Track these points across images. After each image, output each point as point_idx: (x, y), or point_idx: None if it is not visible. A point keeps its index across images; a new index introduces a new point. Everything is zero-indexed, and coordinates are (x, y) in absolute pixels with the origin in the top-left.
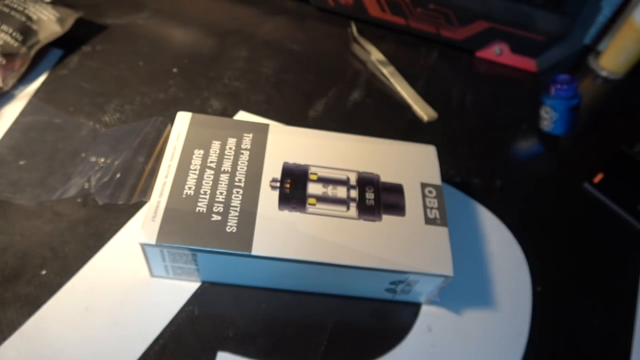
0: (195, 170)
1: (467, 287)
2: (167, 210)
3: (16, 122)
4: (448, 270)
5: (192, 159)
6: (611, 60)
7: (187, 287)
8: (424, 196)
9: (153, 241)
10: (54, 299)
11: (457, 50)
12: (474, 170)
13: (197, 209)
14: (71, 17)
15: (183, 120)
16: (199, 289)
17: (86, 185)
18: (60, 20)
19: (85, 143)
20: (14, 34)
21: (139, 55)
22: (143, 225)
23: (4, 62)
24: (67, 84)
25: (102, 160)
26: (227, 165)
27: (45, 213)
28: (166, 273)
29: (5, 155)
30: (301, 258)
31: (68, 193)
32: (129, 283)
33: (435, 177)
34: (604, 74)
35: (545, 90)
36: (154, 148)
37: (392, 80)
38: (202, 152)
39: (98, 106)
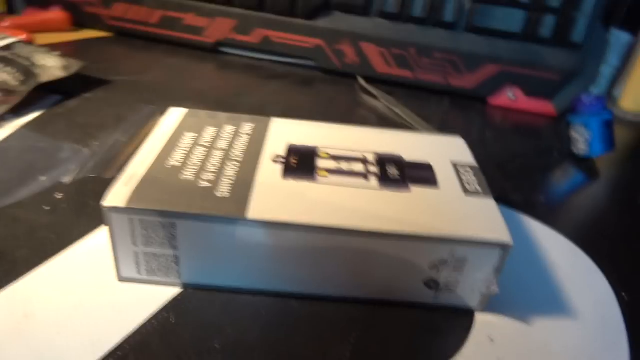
0: (184, 147)
1: (532, 297)
2: (146, 176)
3: None
4: (505, 237)
5: (181, 138)
6: (631, 101)
7: (164, 293)
8: (458, 173)
9: (122, 204)
10: None
11: (469, 99)
12: (511, 188)
13: (183, 177)
14: (75, 65)
15: (176, 112)
16: (180, 295)
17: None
18: (65, 68)
19: (68, 161)
20: (16, 74)
21: (143, 100)
22: (112, 190)
23: None
24: (60, 119)
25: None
26: (222, 144)
27: (3, 218)
28: (137, 270)
29: None
30: (311, 223)
31: (35, 190)
32: (88, 288)
33: (468, 159)
34: (629, 117)
35: (572, 112)
36: (139, 129)
37: (406, 118)
38: (194, 134)
39: (89, 134)
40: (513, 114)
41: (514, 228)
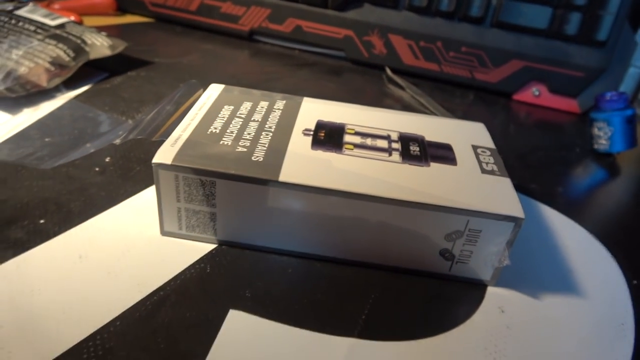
0: (223, 117)
1: (544, 276)
2: (189, 140)
3: (51, 114)
4: (518, 211)
5: (221, 110)
6: None
7: (201, 247)
8: (477, 155)
9: (169, 161)
10: (45, 245)
11: (494, 94)
12: (530, 178)
13: (222, 142)
14: (121, 45)
15: (215, 87)
16: (215, 249)
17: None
18: (111, 47)
19: (114, 130)
20: (67, 51)
21: (181, 80)
22: (160, 149)
23: (52, 68)
24: (107, 93)
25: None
26: (257, 117)
27: (59, 176)
28: (179, 225)
29: (32, 134)
30: (337, 188)
31: (87, 152)
32: (134, 239)
33: (487, 143)
34: None
35: (594, 107)
36: (183, 101)
37: (430, 108)
38: (232, 107)
39: (134, 108)
40: (537, 110)
41: (530, 213)
